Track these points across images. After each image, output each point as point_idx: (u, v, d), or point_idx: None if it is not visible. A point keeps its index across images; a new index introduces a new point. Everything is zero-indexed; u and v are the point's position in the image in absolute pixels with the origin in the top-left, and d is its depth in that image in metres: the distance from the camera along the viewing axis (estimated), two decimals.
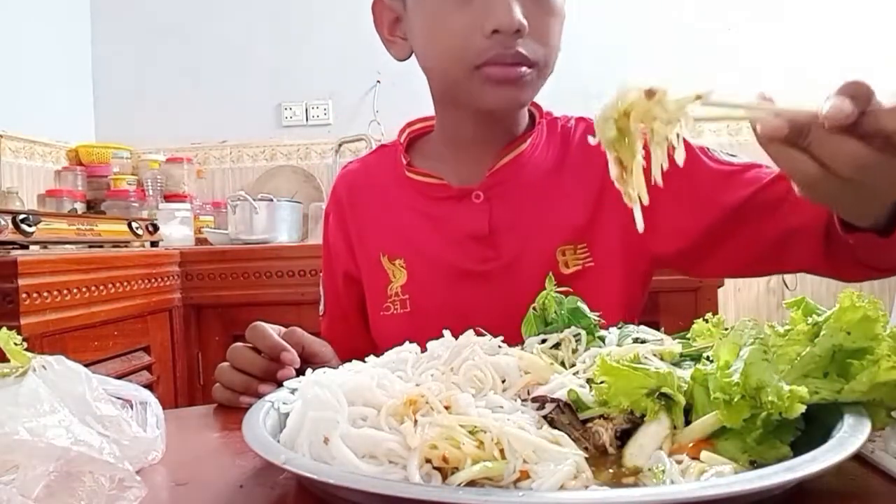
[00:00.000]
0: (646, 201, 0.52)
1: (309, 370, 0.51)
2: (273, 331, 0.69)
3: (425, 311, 0.80)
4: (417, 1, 0.79)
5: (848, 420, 0.40)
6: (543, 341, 0.56)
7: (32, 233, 1.45)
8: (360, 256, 0.90)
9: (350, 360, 0.55)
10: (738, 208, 0.76)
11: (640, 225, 0.52)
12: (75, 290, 1.40)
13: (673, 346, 0.51)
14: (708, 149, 0.82)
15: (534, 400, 0.46)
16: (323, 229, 0.97)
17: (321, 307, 0.95)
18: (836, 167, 0.46)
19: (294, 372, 0.65)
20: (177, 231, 2.12)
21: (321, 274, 0.96)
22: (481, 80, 0.75)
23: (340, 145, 2.46)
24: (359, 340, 0.89)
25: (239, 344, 0.70)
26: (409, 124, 0.93)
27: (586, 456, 0.40)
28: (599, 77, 2.09)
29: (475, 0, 0.73)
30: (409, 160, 0.88)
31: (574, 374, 0.49)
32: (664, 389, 0.43)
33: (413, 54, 0.83)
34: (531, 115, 0.89)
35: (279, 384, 0.55)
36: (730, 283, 2.38)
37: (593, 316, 0.58)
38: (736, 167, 0.78)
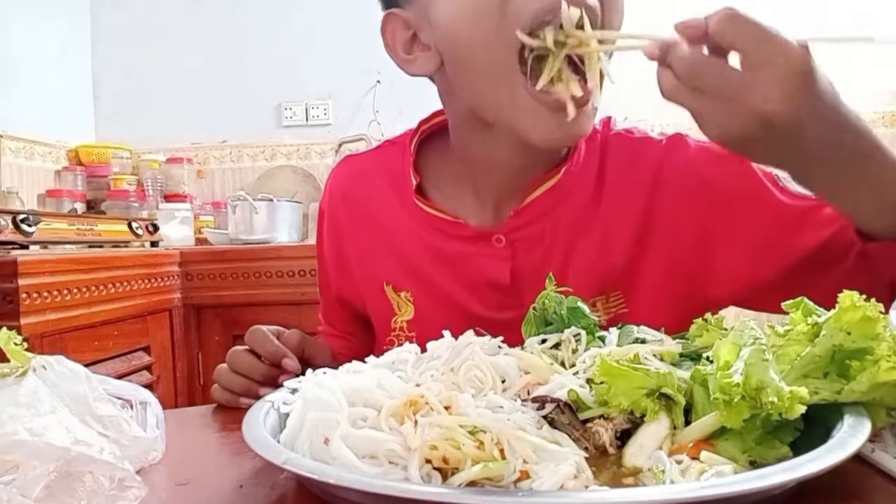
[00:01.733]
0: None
1: (309, 371, 0.51)
2: (272, 335, 0.68)
3: None
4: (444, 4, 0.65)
5: (848, 420, 0.40)
6: (543, 341, 0.56)
7: (32, 233, 1.45)
8: (360, 280, 0.81)
9: (350, 360, 0.55)
10: (813, 252, 0.65)
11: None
12: (75, 290, 1.40)
13: (673, 346, 0.51)
14: (777, 177, 0.69)
15: (534, 400, 0.46)
16: (317, 226, 0.88)
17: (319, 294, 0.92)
18: (676, 69, 0.50)
19: (295, 377, 0.64)
20: (177, 231, 2.12)
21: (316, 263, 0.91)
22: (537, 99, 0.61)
23: (340, 145, 2.46)
24: (353, 328, 0.87)
25: (238, 348, 0.69)
26: (423, 122, 0.80)
27: (586, 456, 0.40)
28: None
29: None
30: (420, 181, 0.75)
31: (574, 374, 0.49)
32: (664, 389, 0.43)
33: (441, 65, 0.68)
34: None
35: (278, 387, 0.55)
36: None
37: (593, 316, 0.58)
38: (812, 202, 0.66)
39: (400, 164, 0.78)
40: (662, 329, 0.56)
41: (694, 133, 0.71)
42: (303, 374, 0.52)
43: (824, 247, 0.65)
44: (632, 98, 2.50)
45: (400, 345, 0.72)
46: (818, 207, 0.66)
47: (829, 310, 0.41)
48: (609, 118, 0.77)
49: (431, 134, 0.80)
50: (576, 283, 0.69)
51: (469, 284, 0.74)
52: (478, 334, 0.55)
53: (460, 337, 0.55)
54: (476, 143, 0.72)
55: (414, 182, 0.75)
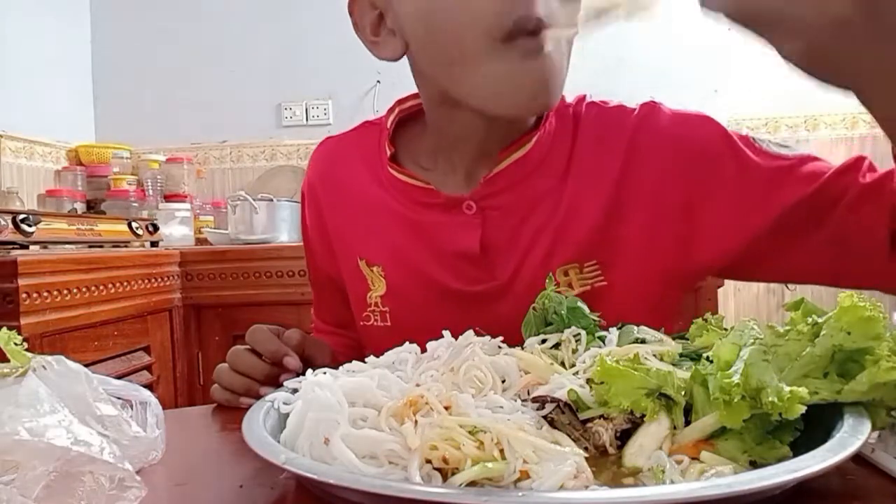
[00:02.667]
0: None
1: (309, 371, 0.51)
2: (273, 334, 0.68)
3: (407, 328, 0.62)
4: None
5: (848, 420, 0.40)
6: (543, 341, 0.56)
7: (32, 233, 1.45)
8: (339, 256, 0.82)
9: (349, 359, 0.55)
10: (793, 209, 0.65)
11: None
12: (75, 290, 1.40)
13: (673, 346, 0.51)
14: (753, 139, 0.70)
15: (534, 400, 0.46)
16: (300, 211, 0.88)
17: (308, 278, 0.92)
18: None
19: (296, 376, 0.64)
20: (177, 231, 2.12)
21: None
22: (510, 59, 0.62)
23: None
24: (345, 316, 0.86)
25: (239, 347, 0.68)
26: (400, 102, 0.81)
27: (586, 456, 0.40)
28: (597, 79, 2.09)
29: None
30: (394, 151, 0.76)
31: (574, 374, 0.49)
32: (664, 390, 0.43)
33: (407, 49, 0.69)
34: None
35: (280, 386, 0.55)
36: (730, 282, 2.39)
37: (593, 316, 0.58)
38: (791, 161, 0.67)
39: (377, 141, 0.80)
40: (662, 329, 0.56)
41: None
42: (304, 373, 0.52)
43: (805, 203, 0.65)
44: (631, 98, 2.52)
45: (375, 320, 0.77)
46: (798, 165, 0.67)
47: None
48: (584, 95, 0.77)
49: (410, 114, 0.81)
50: (545, 252, 0.70)
51: (440, 255, 0.73)
52: (477, 334, 0.55)
53: (460, 337, 0.55)
54: (448, 119, 0.73)
55: (388, 152, 0.76)
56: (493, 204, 0.72)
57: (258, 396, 0.55)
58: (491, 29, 0.62)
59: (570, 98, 0.76)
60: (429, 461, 0.38)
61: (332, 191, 0.82)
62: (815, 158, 0.67)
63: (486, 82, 0.65)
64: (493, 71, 0.64)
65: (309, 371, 0.51)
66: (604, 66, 2.35)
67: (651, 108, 0.73)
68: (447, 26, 0.64)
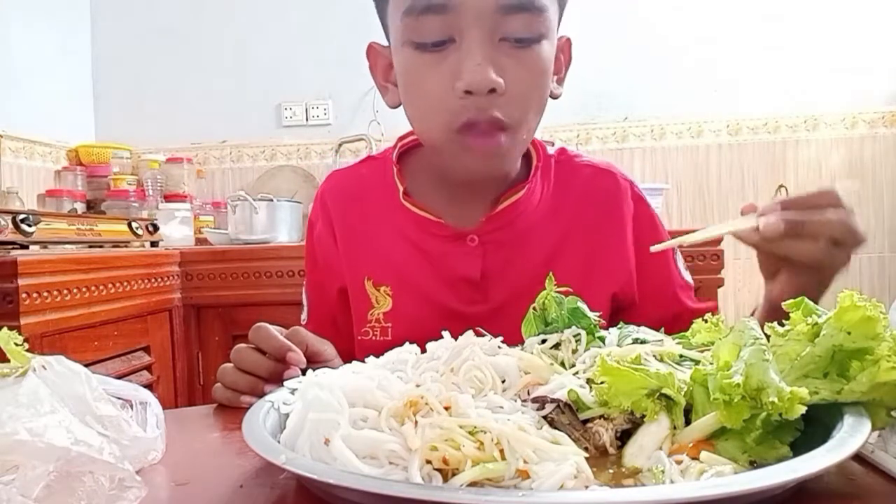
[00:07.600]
0: None
1: (310, 371, 0.51)
2: (277, 331, 0.68)
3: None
4: (395, 57, 0.77)
5: (848, 420, 0.40)
6: (543, 341, 0.56)
7: (32, 233, 1.45)
8: (347, 275, 0.88)
9: (350, 361, 0.55)
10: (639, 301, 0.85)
11: None
12: (75, 290, 1.40)
13: (673, 346, 0.51)
14: (677, 253, 0.89)
15: (534, 400, 0.46)
16: (307, 237, 0.95)
17: (304, 315, 0.95)
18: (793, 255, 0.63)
19: (300, 372, 0.64)
20: (177, 231, 2.12)
21: (304, 281, 0.95)
22: (461, 146, 0.73)
23: (340, 145, 2.46)
24: (350, 344, 0.88)
25: (243, 345, 0.69)
26: (401, 138, 0.90)
27: (586, 456, 0.40)
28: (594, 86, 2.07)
29: (448, 58, 0.71)
30: (406, 187, 0.85)
31: (574, 374, 0.49)
32: (664, 390, 0.43)
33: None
34: (527, 154, 0.87)
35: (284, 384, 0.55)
36: (729, 283, 2.38)
37: (593, 316, 0.58)
38: (681, 284, 0.88)
39: (384, 174, 0.89)
40: (662, 329, 0.56)
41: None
42: (309, 368, 0.53)
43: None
44: (630, 98, 2.52)
45: (374, 335, 0.85)
46: (680, 286, 0.88)
47: None
48: (562, 148, 0.92)
49: (411, 147, 0.90)
50: (534, 284, 0.76)
51: (445, 279, 0.83)
52: (478, 334, 0.55)
53: (460, 337, 0.55)
54: (440, 166, 0.83)
55: (401, 187, 0.85)
56: (493, 238, 0.83)
57: (263, 394, 0.54)
58: (448, 122, 0.73)
59: (554, 143, 0.91)
60: (429, 462, 0.38)
61: (346, 216, 0.89)
62: (690, 290, 0.88)
63: (446, 157, 0.77)
64: (450, 151, 0.75)
65: (309, 371, 0.51)
66: (603, 67, 2.35)
67: (641, 199, 0.88)
68: (417, 107, 0.77)
